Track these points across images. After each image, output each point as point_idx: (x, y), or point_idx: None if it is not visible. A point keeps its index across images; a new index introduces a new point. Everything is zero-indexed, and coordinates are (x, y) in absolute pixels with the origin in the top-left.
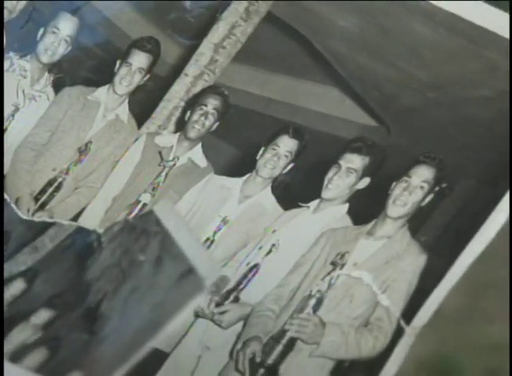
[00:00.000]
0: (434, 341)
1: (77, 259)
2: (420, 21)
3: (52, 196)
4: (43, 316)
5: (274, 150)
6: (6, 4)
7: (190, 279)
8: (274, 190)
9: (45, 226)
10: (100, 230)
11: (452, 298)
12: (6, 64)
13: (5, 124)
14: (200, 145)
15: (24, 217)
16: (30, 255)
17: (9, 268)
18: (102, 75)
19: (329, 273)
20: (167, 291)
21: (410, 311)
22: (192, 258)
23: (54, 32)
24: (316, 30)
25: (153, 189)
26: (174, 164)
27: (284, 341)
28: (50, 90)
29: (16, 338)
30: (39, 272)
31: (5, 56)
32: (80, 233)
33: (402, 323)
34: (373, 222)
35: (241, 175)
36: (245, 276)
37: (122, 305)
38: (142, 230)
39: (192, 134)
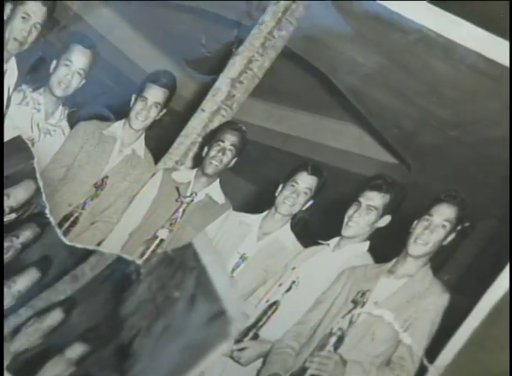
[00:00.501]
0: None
1: (115, 291)
2: (441, 58)
3: (68, 231)
4: (77, 350)
5: (293, 186)
6: (17, 36)
7: (220, 321)
8: (293, 227)
9: (86, 254)
10: (139, 261)
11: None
12: (19, 97)
13: None
14: (217, 181)
15: (67, 242)
16: (70, 284)
17: (49, 296)
18: (117, 110)
19: (350, 311)
20: (198, 332)
21: (434, 350)
22: (224, 300)
23: (67, 65)
24: (334, 66)
25: (171, 224)
26: (192, 200)
27: None
28: (65, 124)
29: (50, 372)
30: (77, 302)
31: (18, 88)
32: (119, 263)
33: (425, 361)
34: (394, 261)
35: (260, 211)
36: (265, 313)
37: (154, 343)
38: (180, 264)
39: (209, 170)
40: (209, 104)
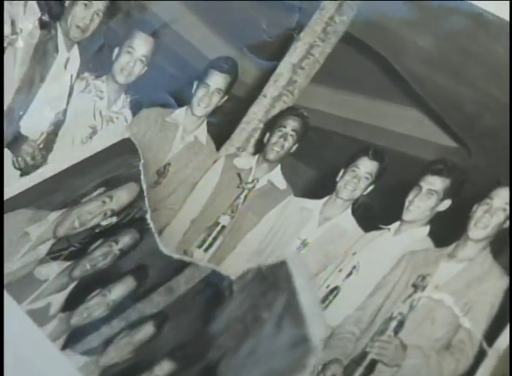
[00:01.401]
0: None
1: (206, 307)
2: (499, 41)
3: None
4: (165, 368)
5: (354, 171)
6: (79, 23)
7: (302, 350)
8: (354, 212)
9: (182, 265)
10: (233, 277)
11: None
12: (82, 85)
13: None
14: (279, 167)
15: (165, 252)
16: (164, 297)
17: (143, 308)
18: (179, 96)
19: (410, 296)
20: (281, 357)
21: (492, 333)
22: (310, 327)
23: (129, 52)
24: (395, 50)
25: (232, 211)
26: (254, 186)
27: (365, 363)
28: (127, 111)
29: None
30: (169, 317)
31: (80, 76)
32: (213, 277)
33: (485, 345)
34: (454, 245)
35: (321, 197)
36: (325, 298)
37: (239, 366)
38: (272, 283)
39: (271, 156)
40: (270, 90)
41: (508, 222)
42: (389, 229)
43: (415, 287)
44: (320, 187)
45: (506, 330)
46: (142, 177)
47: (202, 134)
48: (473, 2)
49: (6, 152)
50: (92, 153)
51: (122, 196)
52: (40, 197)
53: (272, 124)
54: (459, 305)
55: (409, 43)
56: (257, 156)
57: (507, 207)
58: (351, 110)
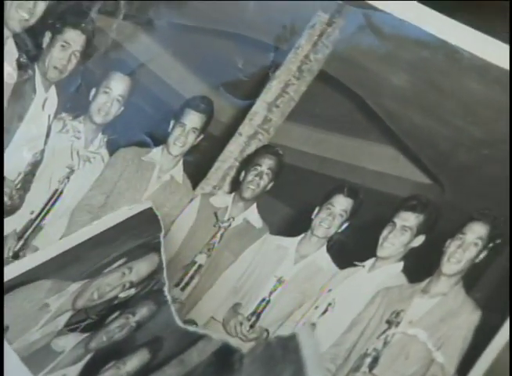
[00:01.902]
0: None
1: None
2: (474, 78)
3: None
4: None
5: (329, 209)
6: (56, 64)
7: None
8: (329, 250)
9: (196, 338)
10: (244, 350)
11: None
12: (59, 125)
13: (61, 186)
14: (255, 205)
15: (181, 325)
16: (176, 369)
17: None
18: (156, 136)
19: (384, 332)
20: None
21: (465, 367)
22: None
23: (106, 92)
24: (370, 88)
25: (209, 250)
26: (230, 225)
27: None
28: (104, 151)
29: None
30: None
31: (58, 116)
32: (225, 350)
33: None
34: (427, 280)
35: (296, 234)
36: None
37: None
38: (281, 357)
39: (247, 194)
40: (246, 128)
41: (480, 257)
42: (364, 265)
43: (389, 323)
44: (296, 225)
45: (478, 365)
46: (162, 249)
47: (178, 173)
48: (447, 39)
49: None
50: (114, 223)
51: (142, 267)
52: (61, 268)
53: (247, 163)
54: (432, 340)
55: (383, 81)
56: (233, 194)
57: (479, 242)
58: (327, 148)
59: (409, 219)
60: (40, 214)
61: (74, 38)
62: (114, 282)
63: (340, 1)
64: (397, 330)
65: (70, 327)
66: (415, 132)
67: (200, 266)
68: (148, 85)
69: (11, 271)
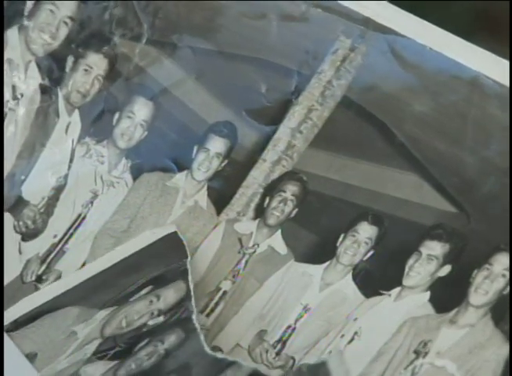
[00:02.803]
0: None
1: None
2: (497, 105)
3: None
4: None
5: (354, 236)
6: (79, 88)
7: None
8: (355, 278)
9: (225, 365)
10: None
11: None
12: (82, 150)
13: (84, 211)
14: (279, 231)
15: (210, 352)
16: None
17: None
18: (179, 161)
19: (412, 362)
20: None
21: None
22: None
23: (129, 117)
24: (393, 114)
25: (233, 276)
26: (255, 251)
27: None
28: (128, 176)
29: None
30: None
31: (81, 141)
32: None
33: None
34: (455, 311)
35: (321, 262)
36: None
37: None
38: None
39: (271, 220)
40: (270, 154)
41: (508, 289)
42: (390, 294)
43: (417, 353)
44: (321, 252)
45: None
46: (189, 277)
47: (202, 198)
48: (469, 66)
49: (8, 216)
50: (138, 248)
51: (170, 295)
52: (87, 295)
53: (271, 189)
54: (461, 372)
55: (406, 107)
56: (257, 220)
57: (507, 274)
58: (350, 175)
59: (434, 248)
60: (63, 238)
61: (97, 62)
62: (142, 310)
63: (362, 27)
64: (425, 360)
65: (99, 354)
66: (439, 160)
67: (224, 293)
68: (171, 110)
69: (38, 298)
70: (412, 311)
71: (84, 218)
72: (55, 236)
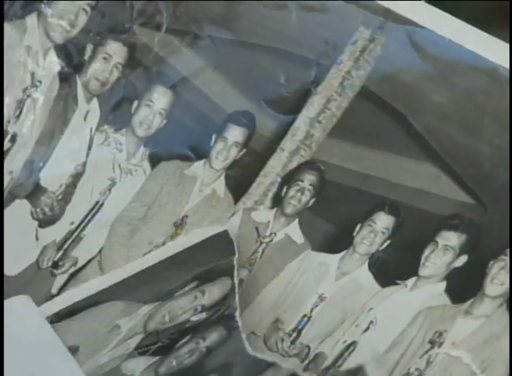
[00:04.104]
0: None
1: None
2: None
3: None
4: None
5: (370, 226)
6: (98, 76)
7: None
8: (371, 267)
9: (265, 366)
10: None
11: None
12: (101, 138)
13: (102, 198)
14: (296, 221)
15: (251, 352)
16: None
17: None
18: (198, 150)
19: (427, 352)
20: None
21: None
22: None
23: (148, 105)
24: (411, 105)
25: (250, 264)
26: (272, 240)
27: None
28: (146, 164)
29: None
30: None
31: (100, 129)
32: None
33: None
34: (470, 301)
35: (338, 251)
36: (342, 353)
37: None
38: None
39: (288, 210)
40: (288, 144)
41: None
42: (406, 284)
43: (432, 343)
44: (337, 242)
45: None
46: (235, 273)
47: (220, 187)
48: (487, 57)
49: (25, 203)
50: (188, 245)
51: (214, 291)
52: (133, 290)
53: (289, 178)
54: (476, 363)
55: (425, 98)
56: (274, 210)
57: None
58: (368, 165)
59: (451, 239)
60: (80, 225)
61: (116, 50)
62: (186, 305)
63: (382, 18)
64: (440, 350)
65: (141, 349)
66: (457, 151)
67: (241, 281)
68: (190, 99)
69: (83, 290)
70: (427, 301)
71: (101, 205)
72: (72, 223)
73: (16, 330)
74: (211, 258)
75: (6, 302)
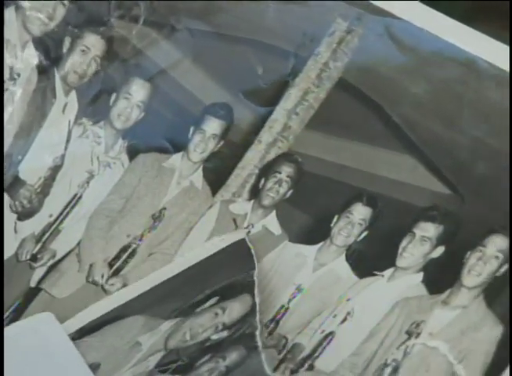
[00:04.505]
0: None
1: None
2: (493, 88)
3: (126, 262)
4: None
5: (348, 217)
6: (77, 69)
7: None
8: (348, 258)
9: None
10: None
11: None
12: (79, 130)
13: (80, 191)
14: (274, 212)
15: (269, 373)
16: None
17: None
18: (176, 142)
19: (404, 342)
20: None
21: None
22: None
23: (127, 98)
24: (388, 96)
25: None
26: (249, 232)
27: None
28: (124, 157)
29: None
30: None
31: (78, 121)
32: None
33: None
34: (447, 292)
35: (315, 242)
36: (320, 343)
37: None
38: None
39: (266, 201)
40: (266, 136)
41: (501, 270)
42: (383, 275)
43: (409, 333)
44: (315, 233)
45: None
46: (256, 290)
47: (198, 179)
48: (465, 48)
49: (4, 196)
50: (206, 255)
51: (235, 309)
52: (154, 304)
53: (267, 170)
54: (453, 353)
55: (402, 90)
56: (252, 201)
57: (500, 255)
58: (345, 156)
59: (428, 230)
60: (58, 217)
61: (94, 43)
62: (207, 323)
63: (359, 10)
64: (417, 341)
65: (161, 368)
66: (434, 142)
67: None
68: (168, 91)
69: (104, 305)
70: (404, 292)
71: (80, 198)
72: (50, 216)
73: (40, 350)
74: (232, 272)
75: (29, 320)
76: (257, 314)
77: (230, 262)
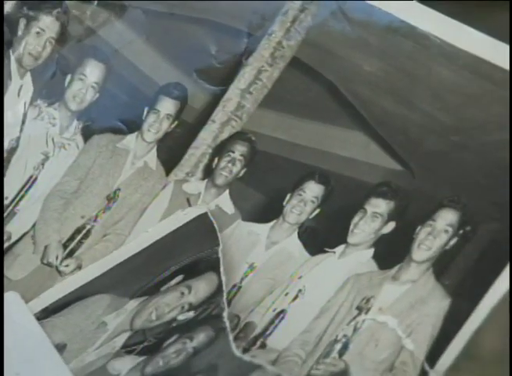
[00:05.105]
0: None
1: None
2: (444, 64)
3: (80, 243)
4: None
5: (300, 195)
6: (31, 51)
7: None
8: (300, 236)
9: (250, 368)
10: None
11: (487, 340)
12: (35, 112)
13: (35, 173)
14: (227, 192)
15: (237, 354)
16: None
17: None
18: (130, 123)
19: (354, 318)
20: None
21: (434, 355)
22: None
23: (81, 79)
24: (341, 74)
25: None
26: None
27: None
28: (79, 138)
29: None
30: None
31: (33, 103)
32: None
33: (426, 366)
34: (397, 267)
35: (268, 221)
36: (272, 322)
37: None
38: None
39: (219, 181)
40: (219, 115)
41: (451, 243)
42: (334, 252)
43: (359, 309)
44: (267, 211)
45: (447, 352)
46: (221, 269)
47: (152, 159)
48: (418, 25)
49: None
50: (169, 230)
51: (201, 288)
52: (119, 282)
53: (220, 149)
54: (402, 327)
55: (355, 67)
56: (205, 181)
57: (449, 229)
58: (298, 135)
59: (379, 206)
60: (14, 200)
61: (49, 25)
62: (173, 302)
63: None
64: (367, 316)
65: (127, 348)
66: (385, 119)
67: None
68: (122, 72)
69: (68, 284)
70: (355, 268)
71: (35, 180)
72: (6, 198)
73: (6, 329)
74: (196, 247)
75: None
76: (224, 295)
77: (194, 237)
